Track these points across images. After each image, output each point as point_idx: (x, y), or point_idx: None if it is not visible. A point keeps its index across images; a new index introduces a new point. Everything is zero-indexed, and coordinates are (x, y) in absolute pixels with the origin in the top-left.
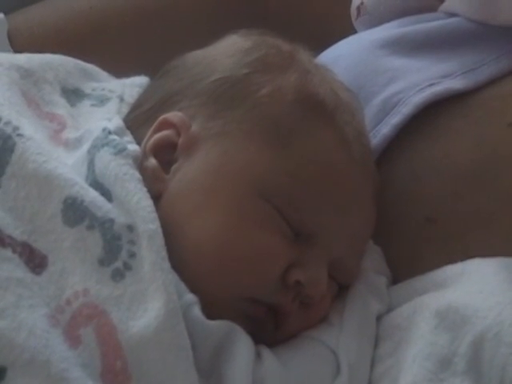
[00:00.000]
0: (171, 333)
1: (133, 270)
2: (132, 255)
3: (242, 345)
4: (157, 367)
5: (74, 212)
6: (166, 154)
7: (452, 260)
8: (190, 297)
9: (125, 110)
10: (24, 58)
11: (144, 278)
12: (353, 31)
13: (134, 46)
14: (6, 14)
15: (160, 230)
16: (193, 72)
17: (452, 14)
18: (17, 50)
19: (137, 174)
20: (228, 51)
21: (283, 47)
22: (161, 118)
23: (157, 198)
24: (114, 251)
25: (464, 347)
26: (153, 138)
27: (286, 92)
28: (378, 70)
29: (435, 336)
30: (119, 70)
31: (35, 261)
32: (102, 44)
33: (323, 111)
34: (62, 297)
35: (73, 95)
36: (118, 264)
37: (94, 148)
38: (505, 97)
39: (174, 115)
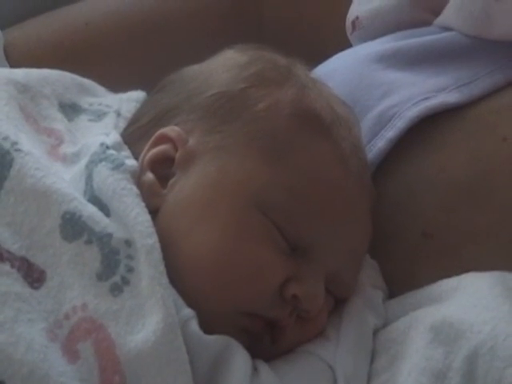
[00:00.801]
0: (169, 347)
1: (131, 284)
2: (130, 270)
3: (239, 359)
4: (155, 382)
5: (73, 227)
6: (164, 168)
7: (448, 274)
8: (188, 311)
9: (122, 124)
10: (21, 73)
11: (142, 293)
12: (348, 44)
13: (130, 61)
14: (2, 29)
15: (158, 245)
16: (190, 87)
17: (446, 29)
18: (13, 64)
19: (134, 189)
20: (225, 66)
21: (280, 62)
22: (158, 132)
23: (154, 212)
24: (112, 266)
25: (459, 361)
26: (150, 152)
27: (282, 106)
28: (373, 84)
29: (430, 350)
30: (116, 84)
31: (33, 275)
32: (99, 59)
33: (320, 126)
34: (61, 311)
35: (70, 110)
36: (116, 278)
37: (92, 163)
38: (499, 111)
39: (171, 130)
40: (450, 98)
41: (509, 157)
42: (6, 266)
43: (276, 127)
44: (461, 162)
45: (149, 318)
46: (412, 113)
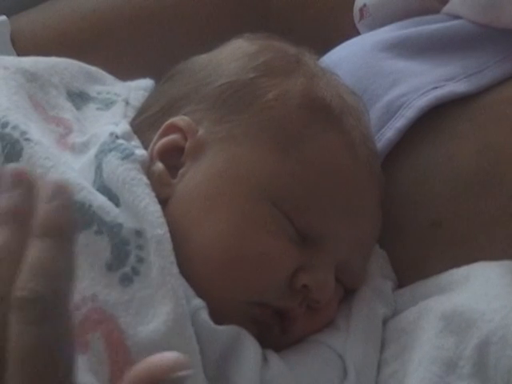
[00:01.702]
0: (180, 337)
1: (141, 274)
2: (140, 260)
3: (249, 349)
4: None
5: (82, 217)
6: (173, 158)
7: (457, 264)
8: (198, 301)
9: (130, 113)
10: (30, 62)
11: (152, 283)
12: (355, 32)
13: (138, 48)
14: (8, 16)
15: (168, 235)
16: (199, 76)
17: (455, 17)
18: (20, 52)
19: (144, 179)
20: (234, 55)
21: (289, 51)
22: (167, 122)
23: (164, 202)
24: (122, 256)
25: (469, 350)
26: (159, 142)
27: (292, 96)
28: (381, 73)
29: (441, 339)
30: (123, 72)
31: None
32: (106, 47)
33: (330, 115)
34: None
35: (78, 99)
36: (127, 269)
37: (102, 153)
38: (509, 100)
39: (180, 119)
40: (459, 87)
41: None
42: None
43: (285, 117)
44: (470, 151)
45: (159, 308)
46: (421, 102)
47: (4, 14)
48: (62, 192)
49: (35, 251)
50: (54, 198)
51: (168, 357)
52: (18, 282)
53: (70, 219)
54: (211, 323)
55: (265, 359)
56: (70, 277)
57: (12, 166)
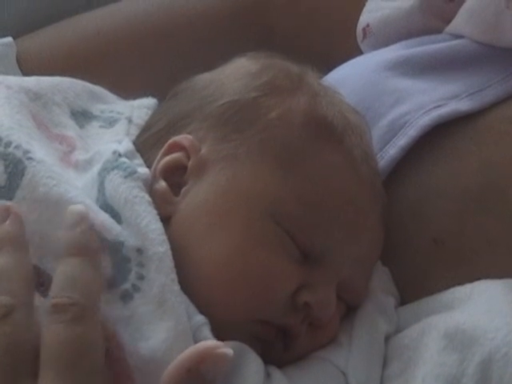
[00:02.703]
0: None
1: (141, 291)
2: (141, 277)
3: (252, 365)
4: None
5: None
6: (176, 176)
7: (460, 281)
8: (200, 318)
9: (133, 131)
10: (33, 81)
11: (153, 300)
12: (359, 51)
13: (142, 68)
14: (14, 38)
15: (169, 253)
16: (202, 95)
17: (457, 36)
18: (26, 73)
19: (147, 197)
20: (236, 74)
21: (292, 70)
22: (170, 140)
23: (167, 220)
24: (123, 273)
25: (473, 368)
26: (162, 160)
27: (295, 115)
28: (384, 92)
29: (444, 357)
30: (127, 92)
31: (45, 284)
32: (111, 68)
33: (332, 134)
34: None
35: (81, 117)
36: (127, 285)
37: (104, 170)
38: (511, 119)
39: (183, 138)
40: (462, 105)
41: None
42: None
43: (288, 136)
44: (473, 170)
45: (159, 325)
46: (424, 121)
47: (10, 35)
48: (84, 219)
49: (67, 267)
50: (76, 225)
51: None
52: (51, 293)
53: (93, 241)
54: (214, 339)
55: (268, 375)
56: (98, 286)
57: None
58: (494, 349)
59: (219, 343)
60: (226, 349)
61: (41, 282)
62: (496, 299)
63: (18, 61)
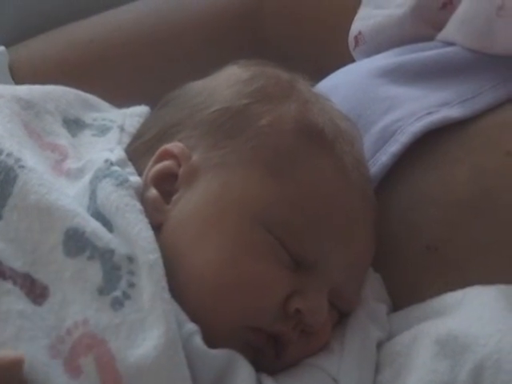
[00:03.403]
0: (170, 362)
1: (132, 299)
2: (131, 285)
3: (244, 373)
4: None
5: (76, 243)
6: (167, 184)
7: (452, 288)
8: (191, 326)
9: (125, 139)
10: (25, 90)
11: (143, 308)
12: (351, 59)
13: (134, 76)
14: (7, 46)
15: (160, 261)
16: (193, 102)
17: (449, 43)
18: (18, 82)
19: (138, 205)
20: (228, 82)
21: (282, 77)
22: (161, 148)
23: (158, 228)
24: (114, 281)
25: (464, 374)
26: (153, 168)
27: (285, 122)
28: (376, 99)
29: (436, 363)
30: (120, 100)
31: (36, 292)
32: (103, 75)
33: (323, 141)
34: (63, 327)
35: (74, 125)
36: (117, 293)
37: (96, 179)
38: (502, 125)
39: (174, 146)
40: (453, 112)
41: None
42: (9, 284)
43: (279, 143)
44: (464, 177)
45: (150, 332)
46: (415, 128)
47: (2, 44)
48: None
49: None
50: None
51: None
52: None
53: None
54: (205, 347)
55: (259, 383)
56: None
57: None
58: (485, 355)
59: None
60: (16, 354)
61: (32, 290)
62: (487, 306)
63: (10, 69)
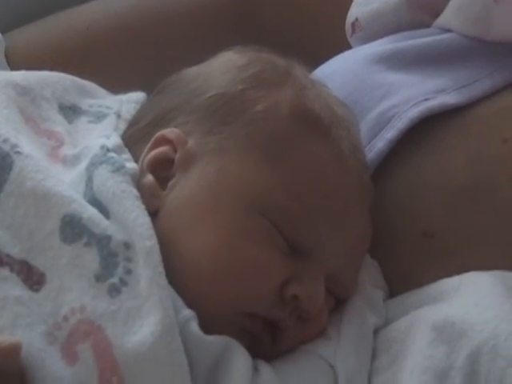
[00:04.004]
0: (167, 348)
1: (129, 285)
2: (128, 272)
3: (240, 359)
4: (153, 383)
5: (72, 229)
6: (163, 170)
7: (448, 274)
8: (188, 312)
9: (122, 126)
10: (21, 76)
11: (140, 294)
12: (347, 45)
13: (131, 63)
14: (2, 32)
15: (157, 247)
16: (189, 88)
17: (445, 30)
18: (14, 68)
19: (134, 192)
20: (224, 68)
21: (278, 63)
22: (157, 134)
23: (154, 214)
24: (111, 267)
25: (461, 360)
26: (150, 154)
27: (281, 107)
28: (372, 85)
29: (432, 349)
30: (116, 86)
31: (33, 278)
32: (99, 62)
33: (319, 126)
34: (60, 313)
35: (70, 112)
36: (114, 280)
37: (93, 165)
38: (500, 112)
39: (170, 131)
40: (450, 99)
41: (509, 158)
42: (5, 271)
43: (275, 128)
44: (461, 163)
45: (147, 319)
46: (412, 114)
47: None
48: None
49: None
50: None
51: None
52: None
53: None
54: (201, 334)
55: (255, 369)
56: None
57: None
58: (482, 341)
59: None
60: (13, 340)
61: (29, 276)
62: (484, 291)
63: (6, 55)
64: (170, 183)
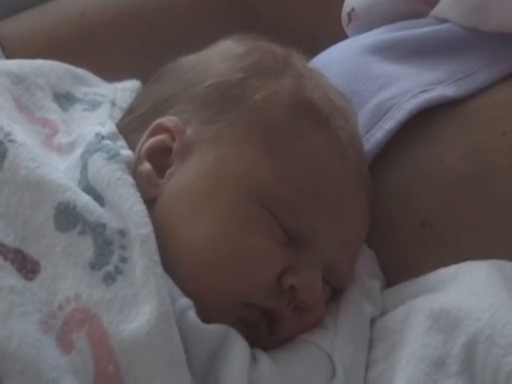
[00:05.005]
0: (163, 337)
1: (124, 273)
2: (123, 260)
3: (238, 348)
4: (149, 371)
5: (67, 217)
6: (161, 158)
7: (445, 264)
8: (185, 301)
9: (117, 114)
10: (15, 64)
11: (136, 282)
12: (345, 34)
13: (126, 51)
14: None
15: (152, 235)
16: (187, 77)
17: (442, 20)
18: (8, 56)
19: (130, 179)
20: (222, 56)
21: (277, 52)
22: (155, 122)
23: (151, 202)
24: (106, 256)
25: (457, 349)
26: (147, 142)
27: (280, 96)
28: (370, 76)
29: (428, 338)
30: (111, 74)
31: (27, 267)
32: (94, 49)
33: (317, 116)
34: (54, 302)
35: (64, 100)
36: (109, 268)
37: (87, 153)
38: (498, 104)
39: (168, 120)
40: (448, 91)
41: (508, 150)
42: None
43: (273, 117)
44: (459, 155)
45: (142, 307)
46: (411, 105)
47: None
48: None
49: None
50: None
51: None
52: None
53: None
54: (199, 322)
55: (254, 358)
56: None
57: None
58: (478, 330)
59: None
60: None
61: (23, 265)
62: (481, 280)
63: (1, 44)
64: (168, 172)
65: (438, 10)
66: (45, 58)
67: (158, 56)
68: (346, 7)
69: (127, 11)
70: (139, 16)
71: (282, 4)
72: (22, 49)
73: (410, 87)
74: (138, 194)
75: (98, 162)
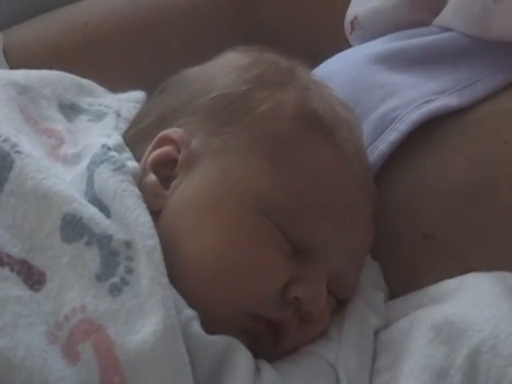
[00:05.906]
0: (169, 348)
1: (130, 285)
2: (129, 271)
3: (242, 359)
4: (155, 382)
5: (73, 229)
6: (166, 170)
7: (449, 275)
8: (190, 312)
9: (122, 125)
10: (21, 75)
11: (142, 293)
12: (348, 43)
13: (130, 61)
14: (1, 30)
15: (159, 246)
16: (192, 88)
17: (445, 29)
18: (13, 65)
19: (136, 191)
20: (227, 68)
21: (282, 63)
22: (160, 134)
23: (156, 214)
24: (112, 267)
25: (460, 360)
26: (152, 154)
27: (285, 108)
28: (373, 86)
29: (431, 349)
30: (115, 85)
31: (34, 278)
32: (98, 59)
33: (322, 128)
34: (60, 313)
35: (70, 110)
36: (116, 279)
37: (93, 164)
38: (501, 114)
39: (173, 131)
40: (452, 101)
41: (511, 160)
42: (6, 271)
43: (278, 129)
44: (462, 165)
45: (148, 318)
46: (414, 116)
47: None
48: None
49: None
50: None
51: None
52: None
53: None
54: (203, 333)
55: (257, 369)
56: None
57: None
58: (481, 341)
59: None
60: None
61: (29, 276)
62: (484, 292)
63: (4, 53)
64: (173, 183)
65: (441, 19)
66: (48, 66)
67: (161, 66)
68: (349, 16)
69: (130, 21)
70: (142, 26)
71: (285, 13)
72: (26, 58)
73: (413, 97)
74: (144, 206)
75: (104, 174)
